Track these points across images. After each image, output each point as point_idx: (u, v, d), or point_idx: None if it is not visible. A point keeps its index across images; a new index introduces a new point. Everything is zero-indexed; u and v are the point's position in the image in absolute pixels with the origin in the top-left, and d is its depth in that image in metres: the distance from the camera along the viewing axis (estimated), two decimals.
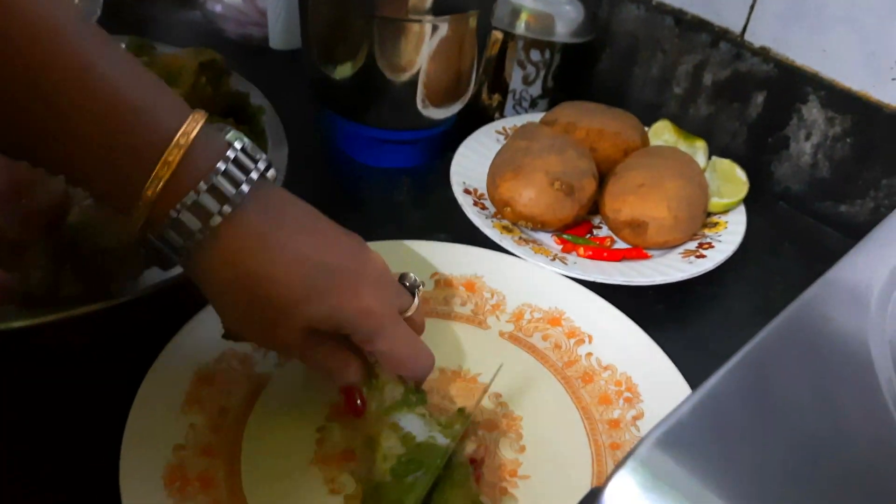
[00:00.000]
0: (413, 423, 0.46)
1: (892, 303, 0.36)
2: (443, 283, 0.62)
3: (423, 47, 0.68)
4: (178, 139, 0.37)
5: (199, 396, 0.50)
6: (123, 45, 0.70)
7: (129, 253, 0.49)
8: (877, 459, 0.29)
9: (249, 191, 0.39)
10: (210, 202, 0.38)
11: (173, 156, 0.37)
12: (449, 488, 0.44)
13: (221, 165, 0.38)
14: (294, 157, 0.65)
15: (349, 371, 0.46)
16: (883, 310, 0.36)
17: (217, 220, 0.38)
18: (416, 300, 0.48)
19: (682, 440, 0.28)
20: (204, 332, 0.52)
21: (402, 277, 0.48)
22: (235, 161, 0.39)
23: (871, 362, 0.33)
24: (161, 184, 0.37)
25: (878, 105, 0.72)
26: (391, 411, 0.46)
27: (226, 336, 0.47)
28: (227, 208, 0.38)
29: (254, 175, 0.40)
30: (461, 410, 0.49)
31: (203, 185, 0.38)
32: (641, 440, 0.28)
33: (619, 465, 0.27)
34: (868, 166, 0.74)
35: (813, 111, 0.76)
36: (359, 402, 0.47)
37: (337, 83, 0.72)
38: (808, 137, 0.78)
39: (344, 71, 0.71)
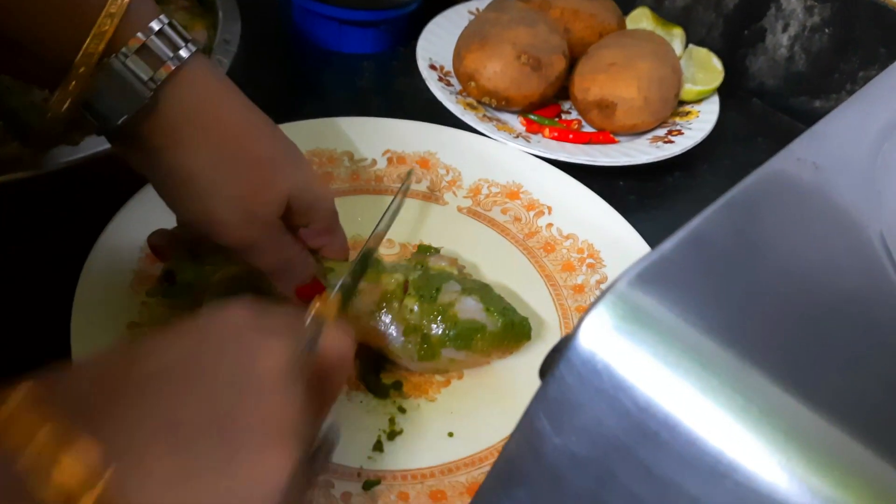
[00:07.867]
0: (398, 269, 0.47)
1: (881, 155, 0.35)
2: (395, 160, 0.60)
3: None
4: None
5: (150, 273, 0.48)
6: None
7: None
8: (861, 290, 0.28)
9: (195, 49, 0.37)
10: (173, 34, 0.36)
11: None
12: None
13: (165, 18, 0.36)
14: (248, 36, 0.60)
15: (309, 262, 0.44)
16: (872, 161, 0.35)
17: (186, 52, 0.36)
18: None
19: (664, 276, 0.26)
20: (151, 206, 0.49)
21: None
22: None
23: (858, 208, 0.31)
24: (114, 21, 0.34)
25: None
26: (381, 274, 0.47)
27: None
28: (192, 45, 0.36)
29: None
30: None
31: (165, 18, 0.36)
32: (620, 276, 0.26)
33: (595, 301, 0.25)
34: (846, 58, 0.72)
35: (792, 0, 0.74)
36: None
37: None
38: (785, 29, 0.75)
39: None
